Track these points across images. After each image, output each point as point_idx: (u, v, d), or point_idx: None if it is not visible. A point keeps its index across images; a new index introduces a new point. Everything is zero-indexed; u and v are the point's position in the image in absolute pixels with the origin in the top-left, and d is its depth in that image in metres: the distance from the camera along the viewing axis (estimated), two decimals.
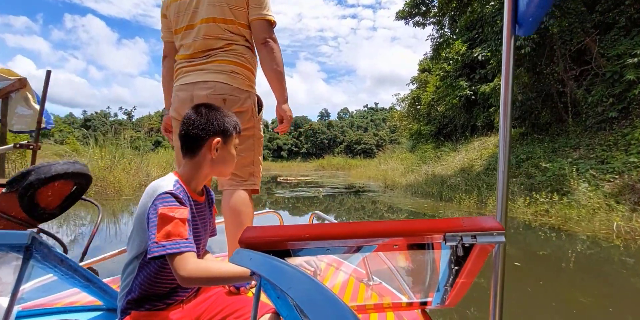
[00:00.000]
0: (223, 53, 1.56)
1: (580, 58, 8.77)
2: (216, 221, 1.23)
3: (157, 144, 40.25)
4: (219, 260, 1.07)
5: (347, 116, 74.19)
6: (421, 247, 0.67)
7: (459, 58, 12.70)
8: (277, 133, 2.11)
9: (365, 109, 76.89)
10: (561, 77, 8.91)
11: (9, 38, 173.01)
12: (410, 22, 11.74)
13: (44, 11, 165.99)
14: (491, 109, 11.62)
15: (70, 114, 66.32)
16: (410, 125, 19.79)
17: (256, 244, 0.57)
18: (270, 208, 7.26)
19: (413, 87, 20.90)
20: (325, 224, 0.65)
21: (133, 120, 62.59)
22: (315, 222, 2.13)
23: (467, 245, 0.61)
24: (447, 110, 15.30)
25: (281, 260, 0.47)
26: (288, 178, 18.16)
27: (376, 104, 76.91)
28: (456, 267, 0.76)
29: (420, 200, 8.95)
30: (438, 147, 15.30)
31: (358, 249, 0.66)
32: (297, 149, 60.92)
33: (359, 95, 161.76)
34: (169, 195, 0.89)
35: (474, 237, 0.60)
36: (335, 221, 1.71)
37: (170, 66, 1.72)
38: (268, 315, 0.90)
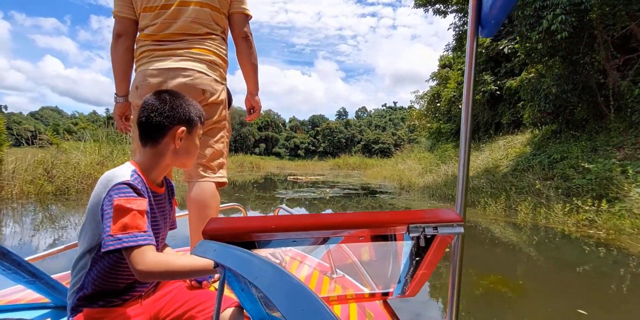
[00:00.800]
0: (202, 41, 1.50)
1: (625, 45, 7.75)
2: (177, 214, 1.15)
3: None
4: (180, 254, 0.98)
5: (365, 115, 73.26)
6: (385, 238, 0.69)
7: (483, 51, 11.78)
8: (246, 121, 2.05)
9: (384, 108, 75.80)
10: (602, 67, 7.88)
11: (38, 39, 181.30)
12: (430, 10, 10.84)
13: (71, 13, 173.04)
14: (519, 104, 10.60)
15: (94, 112, 68.73)
16: (430, 124, 18.81)
17: (221, 236, 0.56)
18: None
19: (433, 83, 19.90)
20: (292, 215, 0.63)
21: None
22: None
23: (428, 236, 0.63)
24: None
25: (247, 250, 0.46)
26: (298, 177, 17.46)
27: (395, 103, 75.74)
28: (417, 258, 0.81)
29: (438, 204, 8.11)
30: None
31: (324, 241, 0.68)
32: (314, 147, 60.61)
33: (378, 94, 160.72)
34: (125, 185, 0.82)
35: (436, 228, 0.62)
36: None
37: (127, 47, 1.54)
38: (231, 309, 0.86)
